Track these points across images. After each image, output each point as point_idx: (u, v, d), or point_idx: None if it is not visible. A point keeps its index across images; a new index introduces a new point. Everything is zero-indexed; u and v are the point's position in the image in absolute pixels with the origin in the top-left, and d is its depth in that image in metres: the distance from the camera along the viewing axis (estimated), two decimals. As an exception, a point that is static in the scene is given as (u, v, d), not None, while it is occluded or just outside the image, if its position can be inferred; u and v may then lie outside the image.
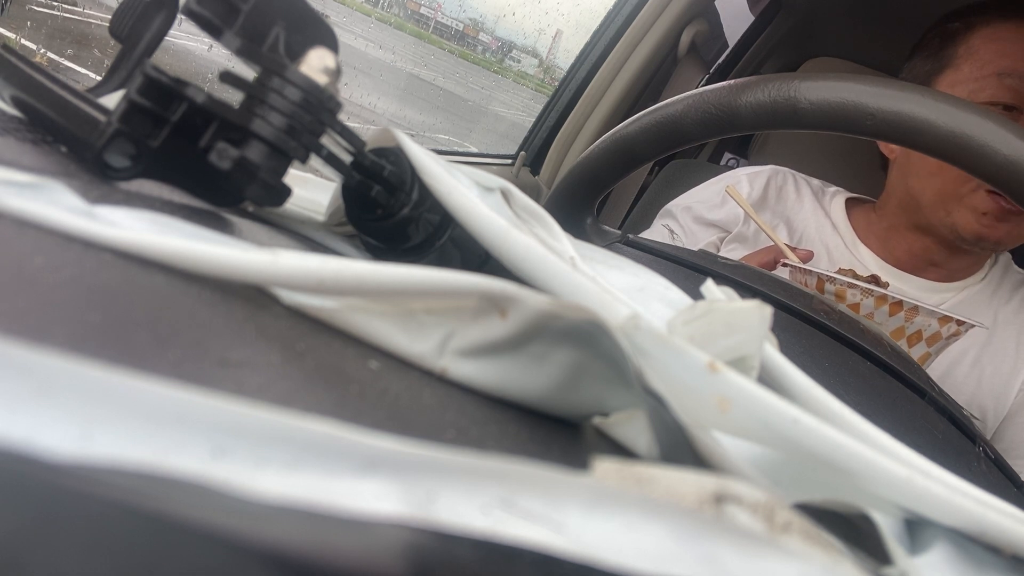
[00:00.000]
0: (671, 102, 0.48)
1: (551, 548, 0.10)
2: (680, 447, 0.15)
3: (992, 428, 0.78)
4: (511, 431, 0.16)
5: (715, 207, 0.88)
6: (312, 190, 0.29)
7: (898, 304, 0.56)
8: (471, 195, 0.22)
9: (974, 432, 0.41)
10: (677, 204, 0.91)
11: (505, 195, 0.27)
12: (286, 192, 0.22)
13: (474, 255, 0.26)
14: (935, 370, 0.75)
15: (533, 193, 1.06)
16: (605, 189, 0.54)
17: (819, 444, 0.14)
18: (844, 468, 0.14)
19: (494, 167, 1.24)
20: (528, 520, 0.10)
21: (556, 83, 1.37)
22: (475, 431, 0.15)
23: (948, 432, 0.38)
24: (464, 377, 0.17)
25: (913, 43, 0.85)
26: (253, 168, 0.20)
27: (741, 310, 0.18)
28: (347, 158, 0.23)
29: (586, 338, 0.16)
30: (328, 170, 0.23)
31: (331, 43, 0.24)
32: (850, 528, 0.15)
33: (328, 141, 0.22)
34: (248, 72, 0.22)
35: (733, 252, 0.83)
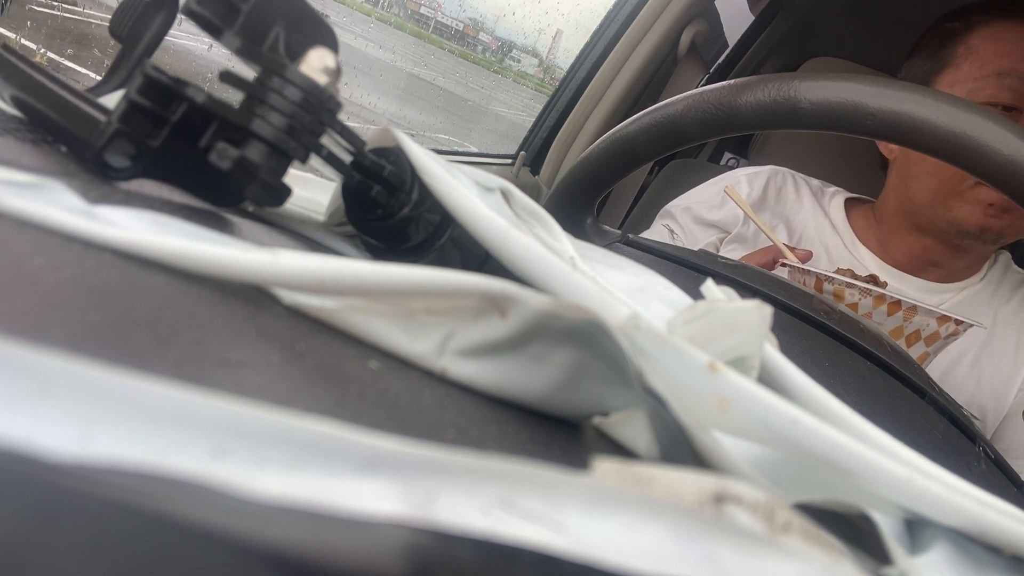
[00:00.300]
0: (671, 102, 0.48)
1: (551, 548, 0.10)
2: (680, 447, 0.15)
3: (992, 428, 0.78)
4: (511, 431, 0.16)
5: (714, 207, 0.88)
6: (312, 190, 0.29)
7: (896, 303, 0.56)
8: (471, 195, 0.22)
9: (974, 432, 0.41)
10: (677, 204, 0.91)
11: (505, 195, 0.27)
12: (286, 192, 0.22)
13: (474, 255, 0.26)
14: (934, 370, 0.76)
15: (533, 193, 1.06)
16: (605, 189, 0.54)
17: (819, 444, 0.14)
18: (844, 468, 0.14)
19: (494, 167, 1.24)
20: (528, 520, 0.10)
21: (556, 83, 1.37)
22: (475, 431, 0.15)
23: (948, 432, 0.38)
24: (464, 377, 0.17)
25: (913, 43, 0.85)
26: (253, 168, 0.20)
27: (741, 310, 0.18)
28: (347, 158, 0.23)
29: (586, 338, 0.16)
30: (328, 170, 0.23)
31: (331, 43, 0.24)
32: (850, 528, 0.15)
33: (328, 141, 0.22)
34: (248, 72, 0.22)
35: (732, 253, 0.83)
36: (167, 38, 0.26)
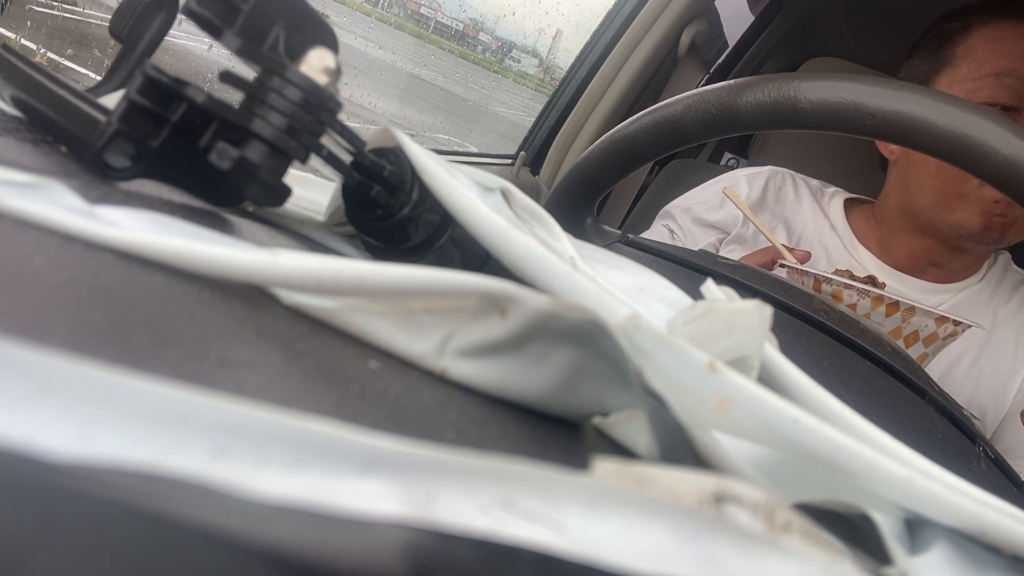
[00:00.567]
0: (671, 102, 0.48)
1: (551, 548, 0.10)
2: (680, 447, 0.15)
3: (992, 428, 0.78)
4: (511, 431, 0.16)
5: (714, 208, 0.88)
6: (312, 190, 0.29)
7: (894, 304, 0.56)
8: (471, 195, 0.22)
9: (974, 432, 0.41)
10: (676, 205, 0.91)
11: (505, 195, 0.27)
12: (286, 192, 0.22)
13: (474, 255, 0.26)
14: (934, 370, 0.76)
15: (533, 193, 1.06)
16: (605, 189, 0.54)
17: (819, 444, 0.14)
18: (844, 468, 0.14)
19: (494, 167, 1.24)
20: (528, 520, 0.10)
21: (556, 83, 1.37)
22: (475, 431, 0.15)
23: (948, 432, 0.38)
24: (464, 377, 0.17)
25: (913, 43, 0.85)
26: (253, 168, 0.20)
27: (741, 310, 0.18)
28: (347, 158, 0.23)
29: (586, 338, 0.16)
30: (328, 170, 0.23)
31: (331, 43, 0.24)
32: (850, 528, 0.15)
33: (328, 141, 0.22)
34: (248, 72, 0.22)
35: (732, 253, 0.84)
36: (167, 38, 0.26)
